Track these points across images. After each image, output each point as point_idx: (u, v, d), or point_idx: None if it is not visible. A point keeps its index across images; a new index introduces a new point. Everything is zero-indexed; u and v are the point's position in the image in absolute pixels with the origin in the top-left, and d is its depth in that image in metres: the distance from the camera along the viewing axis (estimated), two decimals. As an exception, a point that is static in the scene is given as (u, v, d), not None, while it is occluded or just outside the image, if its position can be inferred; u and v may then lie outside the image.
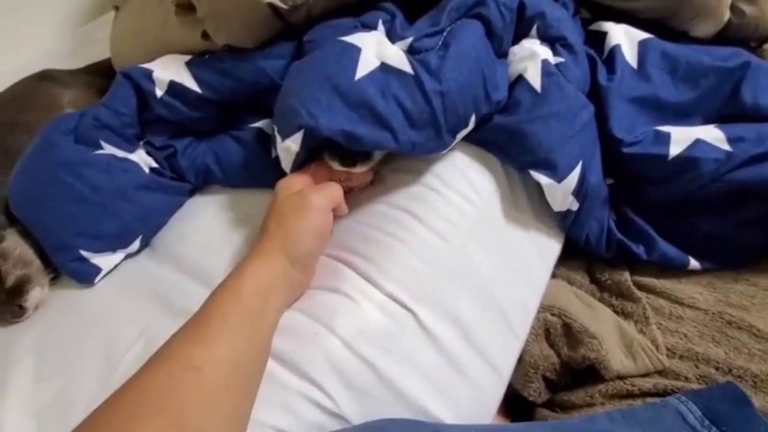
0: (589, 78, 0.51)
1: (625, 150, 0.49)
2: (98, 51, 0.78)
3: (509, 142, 0.48)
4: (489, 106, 0.46)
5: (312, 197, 0.42)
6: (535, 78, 0.47)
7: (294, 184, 0.44)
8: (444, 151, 0.47)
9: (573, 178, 0.47)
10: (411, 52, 0.45)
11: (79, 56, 0.83)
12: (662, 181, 0.50)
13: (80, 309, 0.49)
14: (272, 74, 0.52)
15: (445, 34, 0.45)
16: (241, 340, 0.35)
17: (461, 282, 0.45)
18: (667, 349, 0.47)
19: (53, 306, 0.50)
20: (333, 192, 0.44)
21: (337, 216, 0.45)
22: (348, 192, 0.47)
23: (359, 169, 0.45)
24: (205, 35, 0.53)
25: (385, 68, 0.43)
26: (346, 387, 0.39)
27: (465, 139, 0.49)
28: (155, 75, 0.54)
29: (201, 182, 0.57)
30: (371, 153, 0.46)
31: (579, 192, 0.48)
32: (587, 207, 0.49)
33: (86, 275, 0.50)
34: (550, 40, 0.49)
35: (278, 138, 0.45)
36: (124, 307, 0.48)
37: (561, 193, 0.48)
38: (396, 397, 0.40)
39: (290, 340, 0.40)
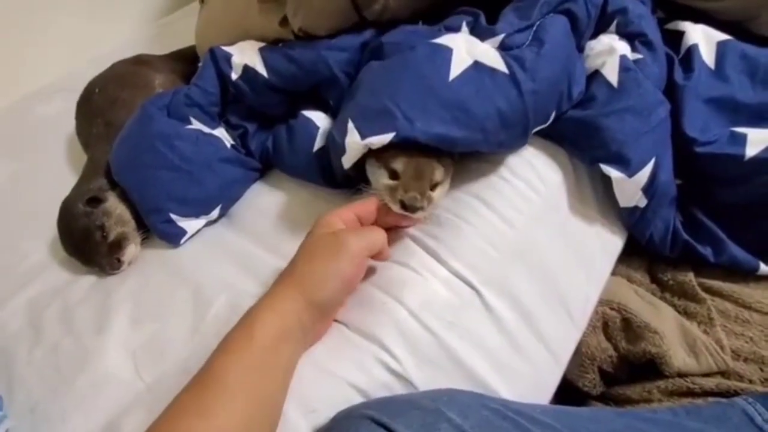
0: (666, 76, 0.51)
1: (699, 149, 0.49)
2: (175, 40, 0.85)
3: (582, 136, 0.49)
4: (569, 103, 0.48)
5: (349, 241, 0.38)
6: (612, 73, 0.48)
7: (334, 222, 0.40)
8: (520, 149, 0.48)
9: (644, 174, 0.47)
10: (503, 48, 0.46)
11: (157, 45, 0.90)
12: (736, 182, 0.49)
13: (169, 266, 0.54)
14: (332, 64, 0.54)
15: (535, 28, 0.46)
16: (245, 403, 0.32)
17: (525, 267, 0.47)
18: (732, 351, 0.46)
19: (146, 262, 0.55)
20: (375, 239, 0.40)
21: (376, 260, 0.42)
22: (389, 230, 0.44)
23: (420, 215, 0.42)
24: (283, 22, 0.57)
25: (479, 67, 0.44)
26: (413, 354, 0.41)
27: (537, 132, 0.50)
28: (233, 59, 0.58)
29: (264, 164, 0.60)
30: (431, 200, 0.43)
31: (649, 189, 0.48)
32: (655, 205, 0.49)
33: (174, 236, 0.55)
34: (629, 36, 0.50)
35: (354, 133, 0.43)
36: (207, 265, 0.52)
37: (631, 189, 0.48)
38: (457, 368, 0.42)
39: (362, 309, 0.42)
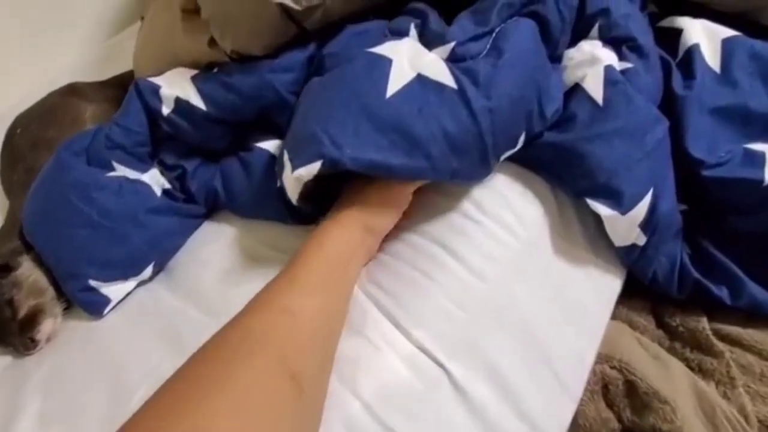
0: (662, 86, 0.43)
1: (706, 173, 0.41)
2: (125, 63, 0.77)
3: (562, 164, 0.41)
4: (543, 124, 0.40)
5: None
6: (595, 87, 0.39)
7: None
8: (485, 178, 0.41)
9: (641, 209, 0.39)
10: (453, 59, 0.38)
11: (106, 68, 0.83)
12: (754, 210, 0.41)
13: (91, 343, 0.46)
14: (279, 88, 0.47)
15: (494, 35, 0.39)
16: (328, 297, 0.35)
17: (502, 329, 0.39)
18: (759, 421, 0.38)
19: (66, 339, 0.48)
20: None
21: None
22: None
23: None
24: (212, 42, 0.49)
25: (422, 80, 0.37)
26: (366, 459, 0.33)
27: (509, 157, 0.42)
28: (162, 91, 0.50)
29: (210, 206, 0.53)
30: None
31: (648, 224, 0.40)
32: (656, 241, 0.41)
33: (95, 306, 0.47)
34: (615, 41, 0.42)
35: (288, 165, 0.39)
36: (134, 343, 0.45)
37: (625, 226, 0.40)
38: (423, 473, 0.34)
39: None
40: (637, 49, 0.41)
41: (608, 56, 0.41)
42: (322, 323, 0.34)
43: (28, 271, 0.49)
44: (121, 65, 0.78)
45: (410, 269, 0.40)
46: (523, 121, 0.38)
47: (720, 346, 0.42)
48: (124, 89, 0.69)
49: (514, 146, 0.40)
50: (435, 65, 0.37)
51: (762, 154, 0.40)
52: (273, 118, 0.50)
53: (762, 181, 0.39)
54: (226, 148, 0.53)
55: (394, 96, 0.36)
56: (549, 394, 0.39)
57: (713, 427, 0.38)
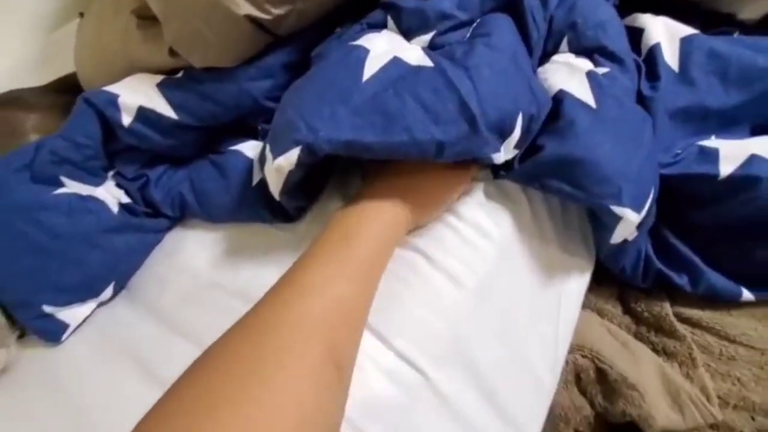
0: (636, 88, 0.43)
1: (665, 172, 0.42)
2: (65, 64, 0.71)
3: (578, 174, 0.38)
4: (536, 106, 0.38)
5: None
6: (584, 92, 0.39)
7: None
8: (493, 155, 0.37)
9: (649, 204, 0.39)
10: (433, 48, 0.38)
11: (50, 66, 0.76)
12: (710, 202, 0.43)
13: (48, 374, 0.43)
14: (258, 96, 0.46)
15: (474, 25, 0.38)
16: (369, 285, 0.35)
17: (479, 333, 0.39)
18: (719, 398, 0.41)
19: (22, 368, 0.44)
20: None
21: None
22: None
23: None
24: (172, 52, 0.46)
25: (398, 62, 0.36)
26: (352, 474, 0.33)
27: (510, 177, 0.42)
28: (121, 100, 0.46)
29: (178, 215, 0.50)
30: None
31: (643, 221, 0.39)
32: (639, 236, 0.41)
33: (52, 333, 0.44)
34: (586, 51, 0.41)
35: (269, 157, 0.38)
36: (94, 373, 0.42)
37: (633, 225, 0.39)
38: (410, 481, 0.34)
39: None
40: (608, 56, 0.41)
41: (585, 64, 0.41)
42: (362, 311, 0.34)
43: (-28, 301, 0.45)
44: (66, 63, 0.72)
45: (388, 276, 0.40)
46: (513, 98, 0.36)
47: (681, 329, 0.44)
48: (69, 93, 0.64)
49: (512, 129, 0.37)
50: (413, 52, 0.37)
51: (716, 150, 0.42)
52: (248, 121, 0.48)
53: (717, 175, 0.41)
54: (195, 152, 0.51)
55: (369, 79, 0.35)
56: (527, 391, 0.40)
57: (678, 407, 0.40)
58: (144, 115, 0.47)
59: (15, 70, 0.86)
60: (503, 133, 0.37)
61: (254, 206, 0.45)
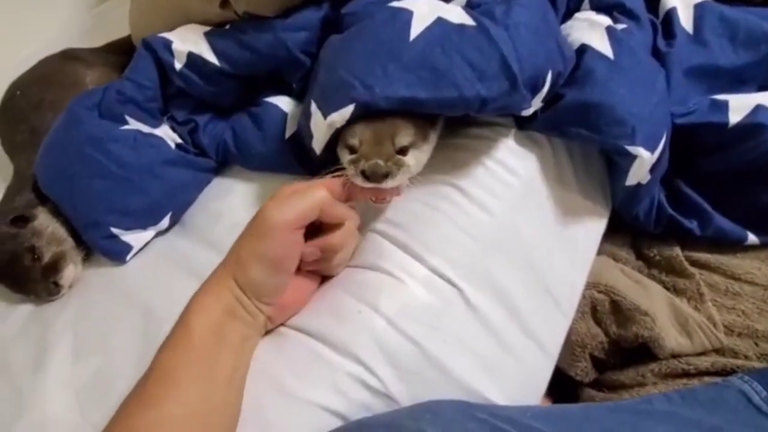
0: (652, 43, 0.47)
1: (679, 121, 0.46)
2: (113, 31, 0.76)
3: (594, 117, 0.42)
4: (564, 65, 0.42)
5: (271, 216, 0.34)
6: (603, 45, 0.43)
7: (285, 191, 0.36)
8: (527, 111, 0.41)
9: (660, 148, 0.43)
10: (471, 7, 0.42)
11: (93, 36, 0.82)
12: (720, 150, 0.47)
13: (115, 286, 0.48)
14: (292, 47, 0.49)
15: None
16: (195, 389, 0.32)
17: (507, 257, 0.43)
18: (725, 327, 0.45)
19: (88, 284, 0.49)
20: (308, 204, 0.35)
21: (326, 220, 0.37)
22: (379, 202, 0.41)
23: (391, 183, 0.38)
24: (223, 4, 0.51)
25: (442, 23, 0.39)
26: (393, 367, 0.37)
27: (533, 127, 0.45)
28: (174, 46, 0.51)
29: (222, 160, 0.55)
30: (401, 165, 0.38)
31: (656, 164, 0.43)
32: (652, 181, 0.45)
33: (118, 253, 0.49)
34: (606, 8, 0.46)
35: (317, 114, 0.41)
36: (158, 283, 0.47)
37: (647, 166, 0.42)
38: (444, 377, 0.38)
39: (334, 320, 0.38)
40: (626, 13, 0.46)
41: (604, 20, 0.45)
42: (195, 412, 0.32)
43: (45, 222, 0.50)
44: (111, 35, 0.77)
45: (421, 205, 0.44)
46: (545, 56, 0.40)
47: (691, 269, 0.48)
48: (122, 54, 0.69)
49: (544, 84, 0.41)
50: (454, 10, 0.40)
51: (726, 102, 0.46)
52: (284, 76, 0.52)
53: (726, 123, 0.45)
54: (236, 103, 0.55)
55: (417, 38, 0.38)
56: (548, 313, 0.44)
57: (686, 333, 0.44)
58: (192, 60, 0.51)
59: (61, 42, 0.91)
60: (535, 89, 0.41)
61: (286, 157, 0.49)
